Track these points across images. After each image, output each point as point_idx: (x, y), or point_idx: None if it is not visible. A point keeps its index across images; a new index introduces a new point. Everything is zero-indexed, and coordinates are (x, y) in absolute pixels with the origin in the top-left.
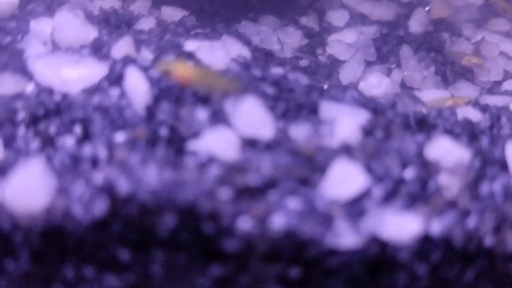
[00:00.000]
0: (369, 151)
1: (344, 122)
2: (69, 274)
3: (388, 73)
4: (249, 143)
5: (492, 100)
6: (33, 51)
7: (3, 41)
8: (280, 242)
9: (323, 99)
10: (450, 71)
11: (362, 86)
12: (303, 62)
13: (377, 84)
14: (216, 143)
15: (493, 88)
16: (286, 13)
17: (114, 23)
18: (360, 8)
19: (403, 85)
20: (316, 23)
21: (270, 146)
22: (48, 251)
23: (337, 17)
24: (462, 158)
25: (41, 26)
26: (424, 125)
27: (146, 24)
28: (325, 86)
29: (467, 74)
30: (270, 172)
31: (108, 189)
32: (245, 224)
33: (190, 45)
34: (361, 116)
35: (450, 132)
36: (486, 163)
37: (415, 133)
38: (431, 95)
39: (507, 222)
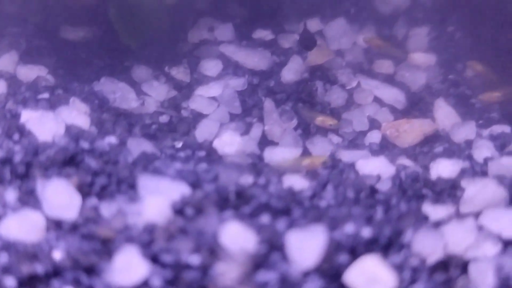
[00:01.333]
0: (170, 232)
1: (156, 200)
2: None
3: (249, 128)
4: (54, 226)
5: (346, 156)
6: None
7: None
8: None
9: (144, 172)
10: (314, 123)
11: (216, 144)
12: (163, 118)
13: (229, 142)
14: (18, 227)
15: (357, 139)
16: (163, 61)
17: None
18: (235, 57)
19: (264, 139)
20: (187, 74)
21: (74, 229)
22: None
23: (210, 67)
24: (247, 244)
25: None
26: (242, 200)
27: None
28: (179, 145)
29: None
30: (61, 259)
31: None
32: None
33: (25, 116)
34: (177, 192)
35: (262, 207)
36: (271, 250)
37: (224, 210)
38: (281, 154)
39: None
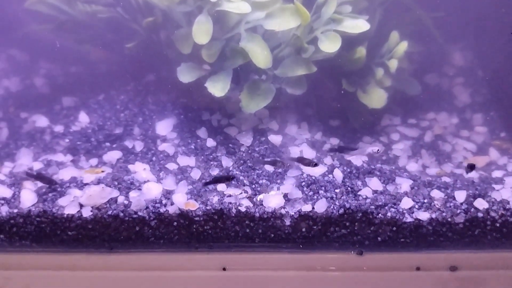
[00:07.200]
0: None
1: None
2: None
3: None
4: None
5: None
6: None
7: None
8: None
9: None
10: None
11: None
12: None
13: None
14: None
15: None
16: (372, 134)
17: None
18: (404, 132)
19: None
20: (386, 139)
21: None
22: None
23: (395, 137)
24: None
25: None
26: None
27: None
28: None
29: None
30: None
31: None
32: None
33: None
34: None
35: None
36: None
37: None
38: None
39: None
